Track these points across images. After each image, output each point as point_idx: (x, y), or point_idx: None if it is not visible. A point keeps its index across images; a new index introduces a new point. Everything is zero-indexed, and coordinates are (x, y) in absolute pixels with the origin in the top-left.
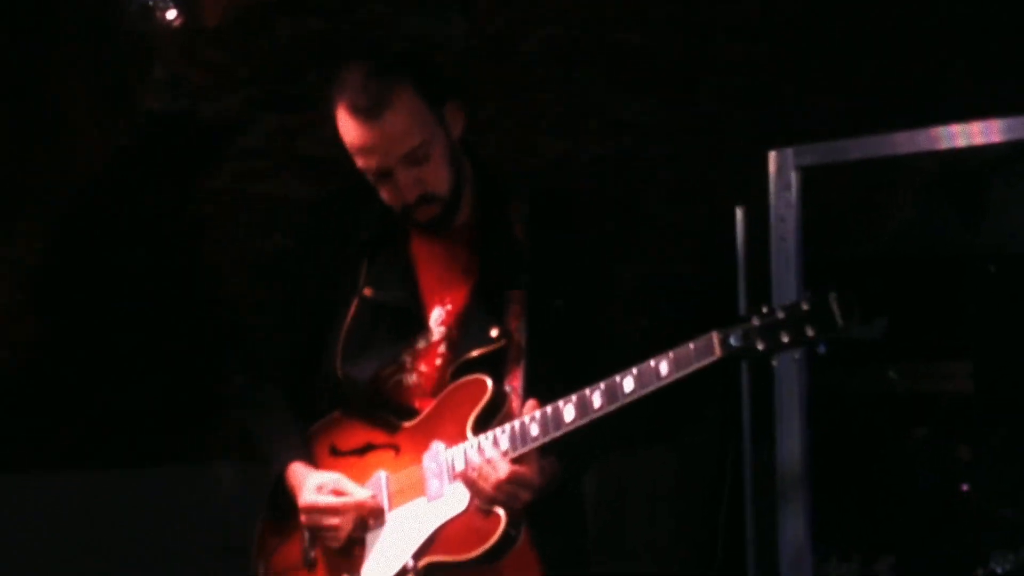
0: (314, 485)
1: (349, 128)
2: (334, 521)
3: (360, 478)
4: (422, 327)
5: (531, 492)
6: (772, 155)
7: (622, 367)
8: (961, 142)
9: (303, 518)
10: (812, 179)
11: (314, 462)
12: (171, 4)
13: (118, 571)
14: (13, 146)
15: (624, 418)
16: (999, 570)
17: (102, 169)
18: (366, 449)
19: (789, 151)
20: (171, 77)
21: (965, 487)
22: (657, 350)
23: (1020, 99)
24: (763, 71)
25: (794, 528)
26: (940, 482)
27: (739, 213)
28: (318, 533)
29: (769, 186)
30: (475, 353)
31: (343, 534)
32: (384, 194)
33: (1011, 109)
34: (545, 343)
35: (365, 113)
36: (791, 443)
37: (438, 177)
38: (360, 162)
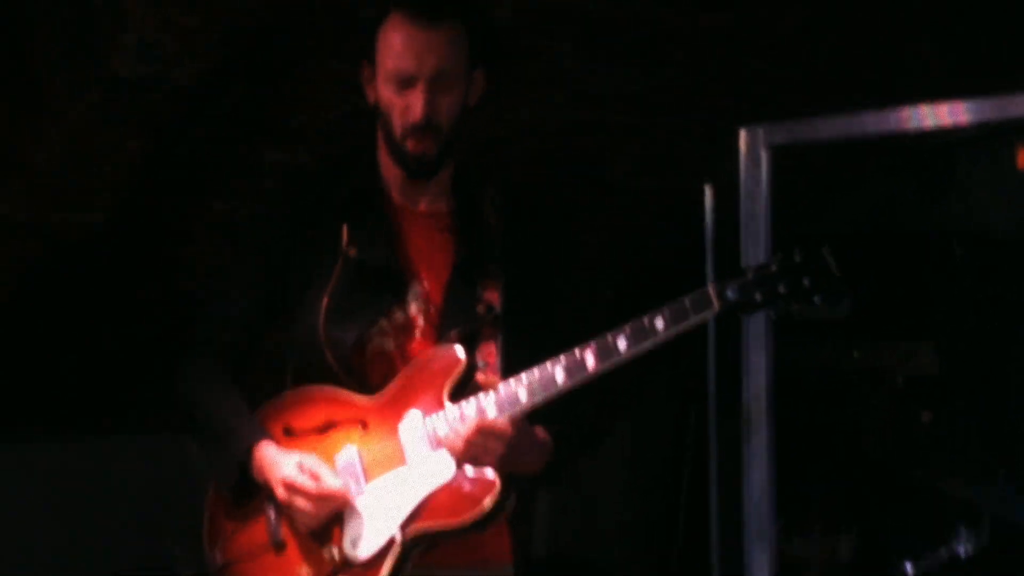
0: (294, 462)
1: (398, 32)
2: (309, 506)
3: (324, 456)
4: (402, 297)
5: (503, 444)
6: (743, 133)
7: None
8: (929, 123)
9: (281, 493)
10: (780, 156)
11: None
12: None
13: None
14: None
15: (607, 389)
16: (961, 549)
17: (71, 133)
18: (327, 427)
19: (759, 129)
20: (141, 43)
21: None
22: (621, 323)
23: (988, 80)
24: (735, 46)
25: (759, 481)
26: (901, 460)
27: (708, 191)
28: (293, 513)
29: (739, 164)
30: (462, 328)
31: (316, 522)
32: (396, 110)
33: (979, 90)
34: (521, 319)
35: (421, 18)
36: (756, 398)
37: (449, 116)
38: (391, 63)
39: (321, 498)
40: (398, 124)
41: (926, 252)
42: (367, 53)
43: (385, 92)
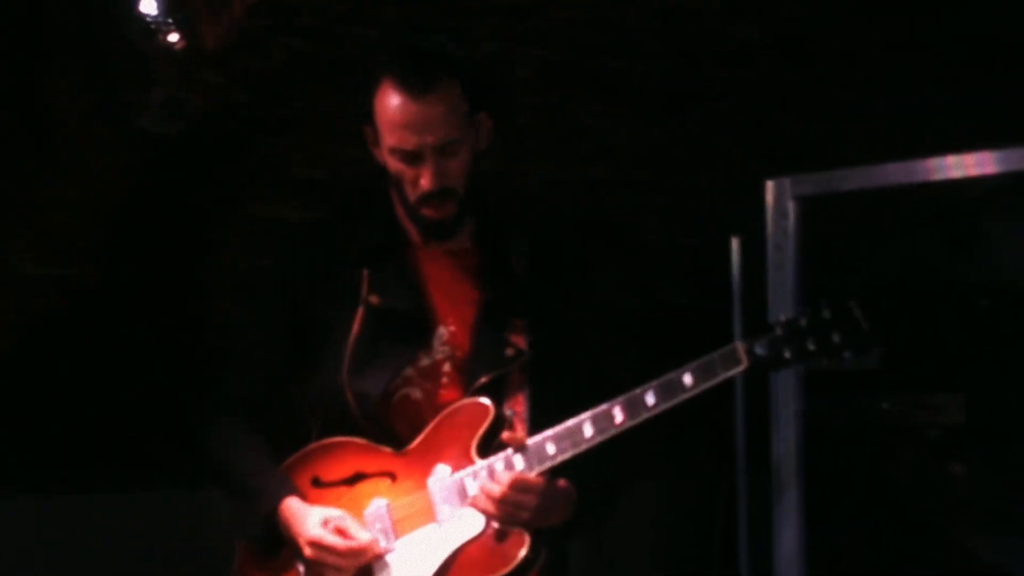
0: (319, 519)
1: (393, 103)
2: (339, 562)
3: (353, 508)
4: (428, 342)
5: (536, 497)
6: (769, 184)
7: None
8: (956, 173)
9: (309, 552)
10: (808, 208)
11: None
12: (173, 27)
13: None
14: (9, 165)
15: (631, 443)
16: None
17: (96, 189)
18: (356, 478)
19: (786, 180)
20: (167, 100)
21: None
22: (652, 378)
23: (1015, 130)
24: (759, 98)
25: (789, 538)
26: (932, 513)
27: (734, 243)
28: (322, 570)
29: (766, 215)
30: (494, 373)
31: None
32: (406, 180)
33: (1006, 140)
34: (548, 369)
35: (413, 89)
36: (786, 455)
37: (461, 176)
38: (393, 139)
39: (351, 553)
40: (411, 193)
41: (953, 304)
42: (366, 116)
43: (392, 163)
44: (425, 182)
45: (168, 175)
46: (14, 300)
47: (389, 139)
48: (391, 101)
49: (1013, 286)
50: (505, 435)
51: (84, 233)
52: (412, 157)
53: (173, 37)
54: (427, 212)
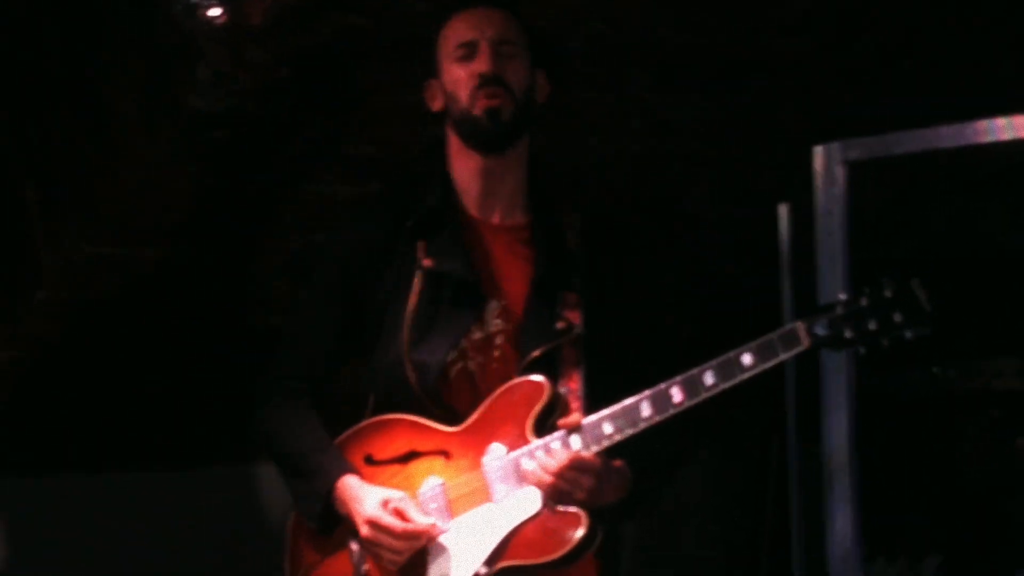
0: (379, 499)
1: (457, 21)
2: (396, 543)
3: (406, 487)
4: (480, 315)
5: (593, 477)
6: (818, 150)
7: (674, 371)
8: (1006, 136)
9: (366, 531)
10: (857, 176)
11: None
12: (215, 2)
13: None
14: (59, 146)
15: (685, 423)
16: None
17: (146, 169)
18: (409, 456)
19: (836, 145)
20: (215, 77)
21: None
22: (702, 352)
23: None
24: (807, 67)
25: (843, 521)
26: (989, 481)
27: (783, 210)
28: (377, 550)
29: (815, 181)
30: (545, 346)
31: (402, 559)
32: (462, 84)
33: None
34: (603, 345)
35: (478, 3)
36: (839, 434)
37: (516, 78)
38: (453, 41)
39: (408, 536)
40: (466, 92)
41: (1007, 268)
42: (430, 71)
43: (451, 74)
44: (480, 65)
45: (219, 152)
46: (76, 279)
47: (450, 45)
48: (454, 19)
49: None
50: (560, 421)
51: (140, 212)
52: (470, 50)
53: (214, 12)
54: (481, 103)
